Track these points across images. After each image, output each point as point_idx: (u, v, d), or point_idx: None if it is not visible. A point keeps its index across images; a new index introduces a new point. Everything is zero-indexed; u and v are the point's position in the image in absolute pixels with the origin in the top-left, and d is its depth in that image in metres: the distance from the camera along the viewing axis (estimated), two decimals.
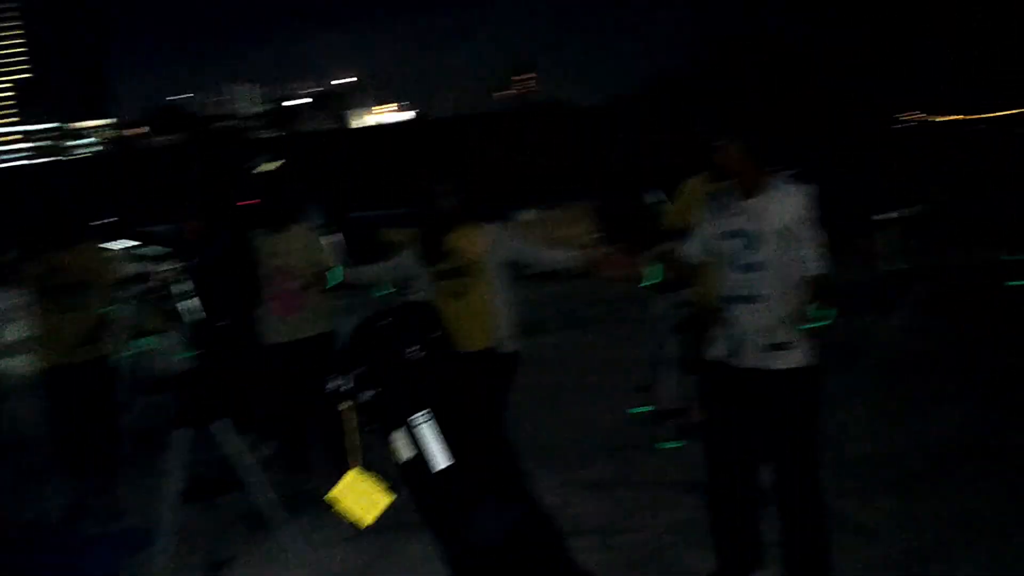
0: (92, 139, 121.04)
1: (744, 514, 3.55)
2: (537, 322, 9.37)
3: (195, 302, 3.70)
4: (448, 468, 2.04)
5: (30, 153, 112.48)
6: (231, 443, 3.44)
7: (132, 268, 5.45)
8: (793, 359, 3.26)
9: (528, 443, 3.07)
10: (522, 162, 37.16)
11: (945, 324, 8.25)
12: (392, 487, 2.26)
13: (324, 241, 5.30)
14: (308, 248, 5.02)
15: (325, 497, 2.24)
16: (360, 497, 2.18)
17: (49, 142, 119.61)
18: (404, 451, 2.07)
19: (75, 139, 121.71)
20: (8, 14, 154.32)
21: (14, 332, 7.50)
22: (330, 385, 2.10)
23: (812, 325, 3.09)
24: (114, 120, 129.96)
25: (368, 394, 2.08)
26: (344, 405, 2.12)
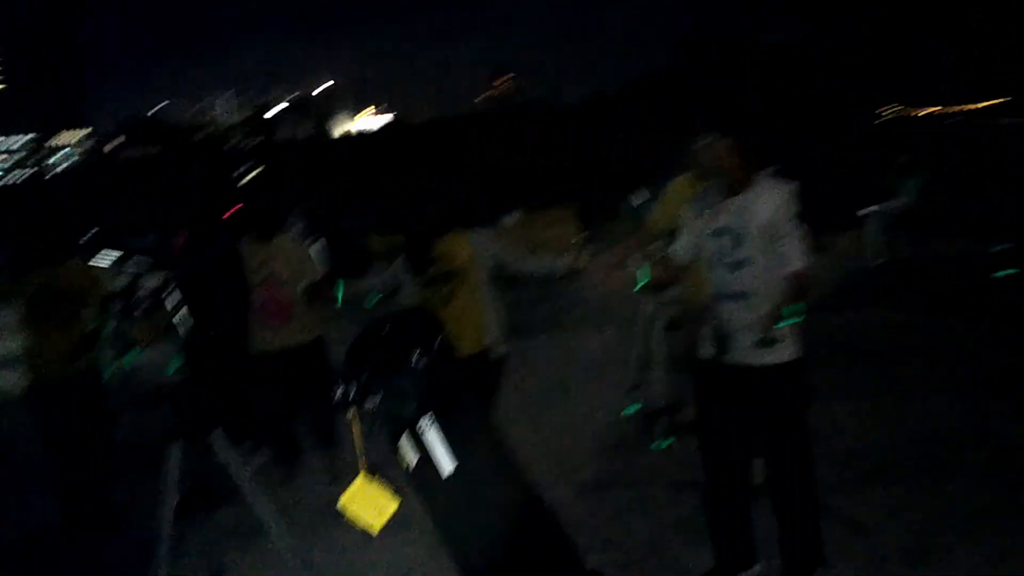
0: (69, 151, 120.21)
1: (739, 511, 3.58)
2: (525, 325, 9.39)
3: (185, 313, 3.69)
4: (455, 471, 2.05)
5: (8, 166, 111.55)
6: (226, 453, 3.43)
7: (119, 281, 5.43)
8: (781, 354, 3.29)
9: (521, 445, 3.08)
10: (505, 164, 37.15)
11: (934, 317, 8.32)
12: (399, 492, 2.28)
13: (312, 249, 5.30)
14: (296, 257, 5.01)
15: (338, 505, 2.25)
16: (369, 503, 2.20)
17: (25, 154, 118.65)
18: (410, 456, 2.08)
19: (52, 152, 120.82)
20: None
21: (3, 349, 7.47)
22: (335, 392, 2.11)
23: (785, 323, 3.10)
24: (89, 130, 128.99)
25: (373, 401, 2.09)
26: (349, 412, 2.13)
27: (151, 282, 4.19)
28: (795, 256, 3.23)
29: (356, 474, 2.29)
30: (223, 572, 4.14)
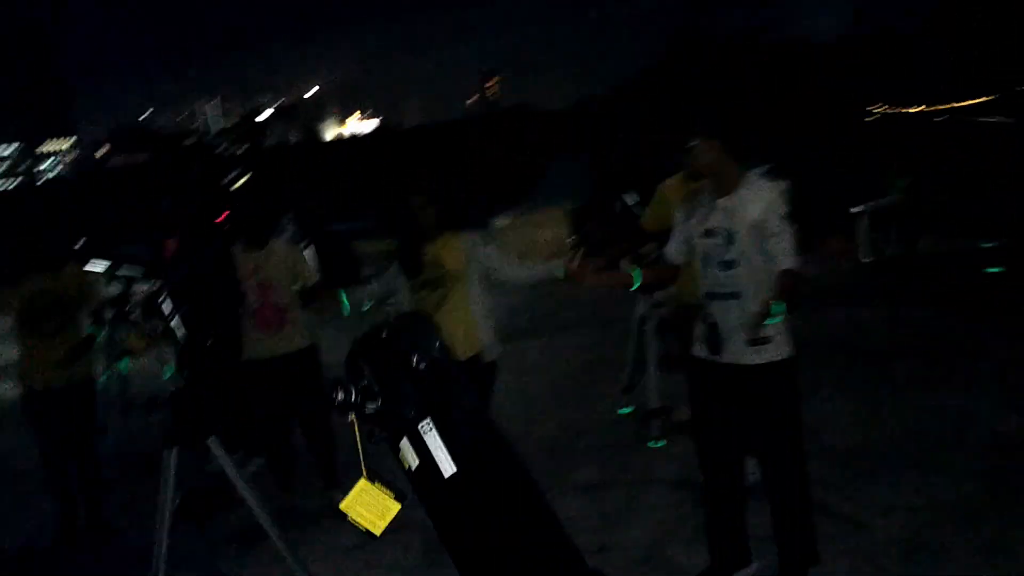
0: (55, 160, 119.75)
1: (735, 509, 3.60)
2: (518, 327, 9.41)
3: (179, 320, 3.69)
4: (456, 473, 2.07)
5: None
6: (223, 460, 3.43)
7: (112, 289, 5.42)
8: (774, 353, 3.31)
9: (516, 447, 3.09)
10: (495, 166, 37.19)
11: (926, 313, 8.37)
12: (400, 495, 2.29)
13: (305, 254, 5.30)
14: (289, 263, 5.01)
15: (340, 508, 2.26)
16: (371, 506, 2.21)
17: (12, 162, 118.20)
18: (411, 459, 2.09)
19: (41, 160, 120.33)
20: None
21: None
22: (335, 396, 2.12)
23: (771, 321, 3.11)
24: (75, 139, 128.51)
25: (373, 405, 2.10)
26: (350, 417, 2.15)
27: (143, 289, 4.19)
28: (785, 255, 3.24)
29: (357, 477, 2.30)
30: None
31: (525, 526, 2.24)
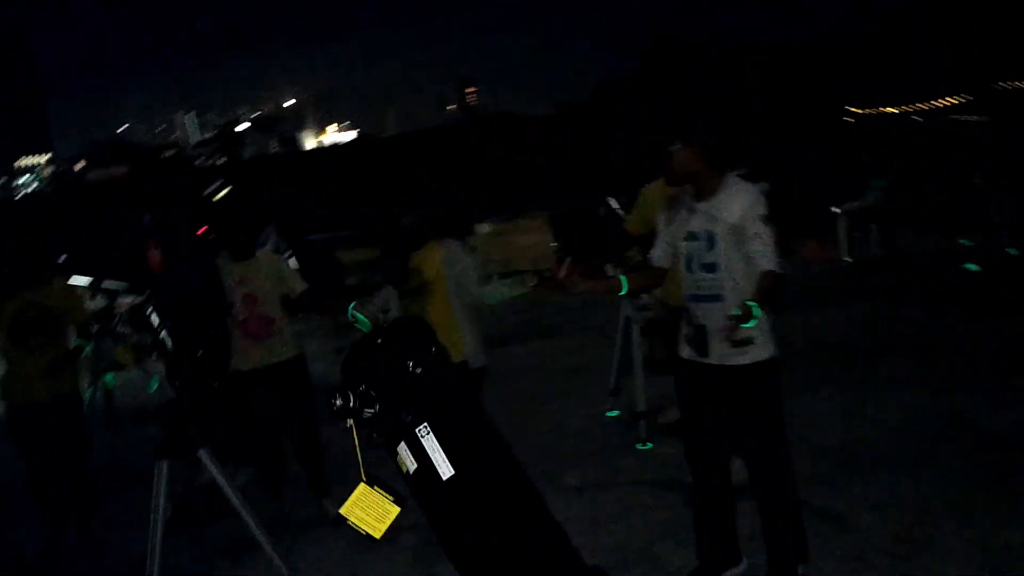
0: (31, 175, 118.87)
1: (723, 509, 3.63)
2: (504, 333, 9.44)
3: (166, 332, 3.69)
4: (454, 475, 2.09)
5: None
6: (214, 471, 3.44)
7: (97, 303, 5.41)
8: (757, 353, 3.35)
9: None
10: (476, 173, 37.24)
11: (908, 311, 8.46)
12: (399, 499, 2.31)
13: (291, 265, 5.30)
14: (276, 273, 5.01)
15: (340, 512, 2.27)
16: (370, 510, 2.22)
17: None
18: (409, 463, 2.12)
19: (17, 175, 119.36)
20: None
21: None
22: (333, 403, 2.14)
23: (750, 323, 3.14)
24: (50, 155, 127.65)
25: (370, 410, 2.13)
26: (348, 422, 2.17)
27: (127, 302, 4.19)
28: (766, 256, 3.28)
29: (356, 482, 2.32)
30: None
31: (524, 526, 2.26)
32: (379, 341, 2.26)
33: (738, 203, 3.33)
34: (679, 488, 4.41)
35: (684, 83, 31.75)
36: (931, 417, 5.38)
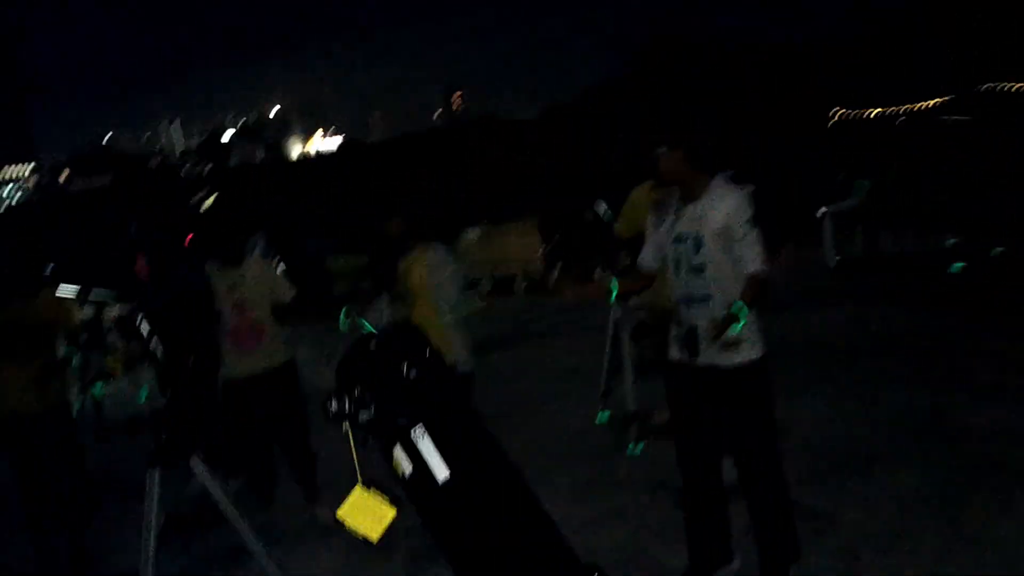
0: (15, 186, 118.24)
1: (714, 509, 3.66)
2: (494, 338, 9.45)
3: (156, 341, 3.69)
4: (450, 477, 2.11)
5: None
6: (207, 479, 3.44)
7: (85, 313, 5.39)
8: (746, 354, 3.37)
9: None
10: (464, 179, 37.26)
11: (892, 311, 8.52)
12: (396, 501, 2.32)
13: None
14: (266, 280, 5.01)
15: (337, 515, 2.29)
16: (367, 513, 2.24)
17: None
18: (405, 465, 2.13)
19: (1, 186, 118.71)
20: None
21: None
22: (329, 407, 2.16)
23: (737, 325, 3.15)
24: (33, 164, 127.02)
25: (366, 414, 2.15)
26: (344, 426, 2.18)
27: (115, 313, 4.19)
28: (752, 258, 3.31)
29: (352, 486, 2.33)
30: None
31: (521, 527, 2.29)
32: (373, 345, 2.28)
33: (724, 206, 3.36)
34: (670, 489, 4.43)
35: (671, 86, 31.87)
36: (917, 415, 5.42)
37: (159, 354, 3.46)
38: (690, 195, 3.46)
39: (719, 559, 3.68)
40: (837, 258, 11.94)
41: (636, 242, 3.87)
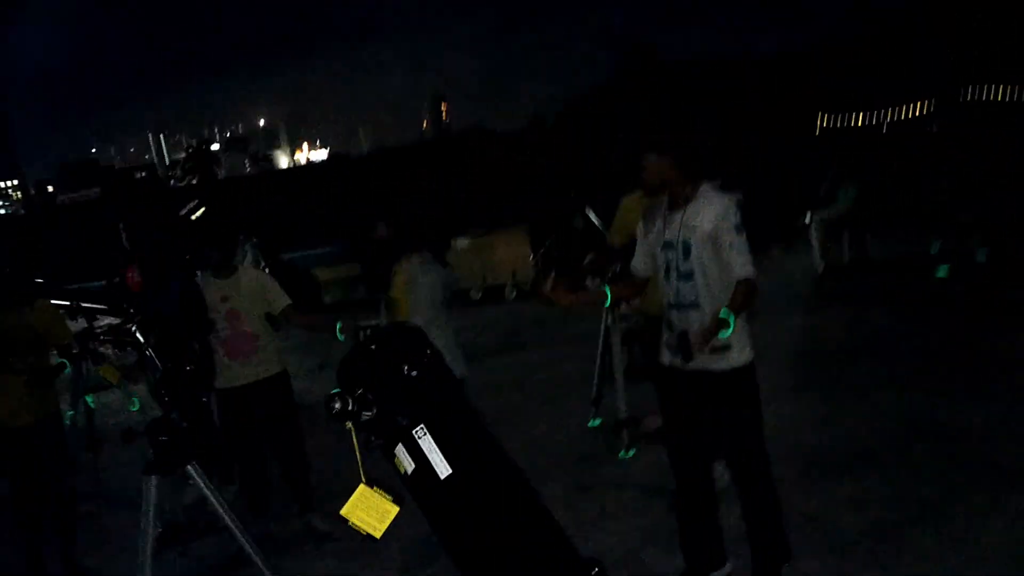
0: (1, 201, 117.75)
1: (706, 512, 3.69)
2: (484, 346, 9.47)
3: (152, 350, 3.71)
4: (452, 474, 2.15)
5: None
6: (204, 487, 3.44)
7: (76, 324, 5.40)
8: (736, 358, 3.42)
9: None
10: (452, 188, 37.30)
11: (879, 316, 8.59)
12: (398, 499, 2.36)
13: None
14: (258, 290, 5.02)
15: (341, 513, 2.32)
16: (370, 510, 2.27)
17: None
18: (407, 464, 2.17)
19: None
20: None
21: None
22: (332, 407, 2.19)
23: (727, 331, 3.18)
24: (16, 182, 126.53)
25: (368, 413, 2.18)
26: (348, 425, 2.22)
27: (106, 323, 4.20)
28: (741, 264, 3.35)
29: (356, 484, 2.36)
30: None
31: (523, 523, 2.33)
32: (373, 346, 2.32)
33: (711, 212, 3.39)
34: (662, 493, 4.47)
35: (656, 94, 32.03)
36: (905, 418, 5.47)
37: (155, 363, 3.48)
38: (678, 202, 3.50)
39: (713, 562, 3.71)
40: (824, 264, 12.02)
41: (629, 249, 3.90)
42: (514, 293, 13.88)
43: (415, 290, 4.53)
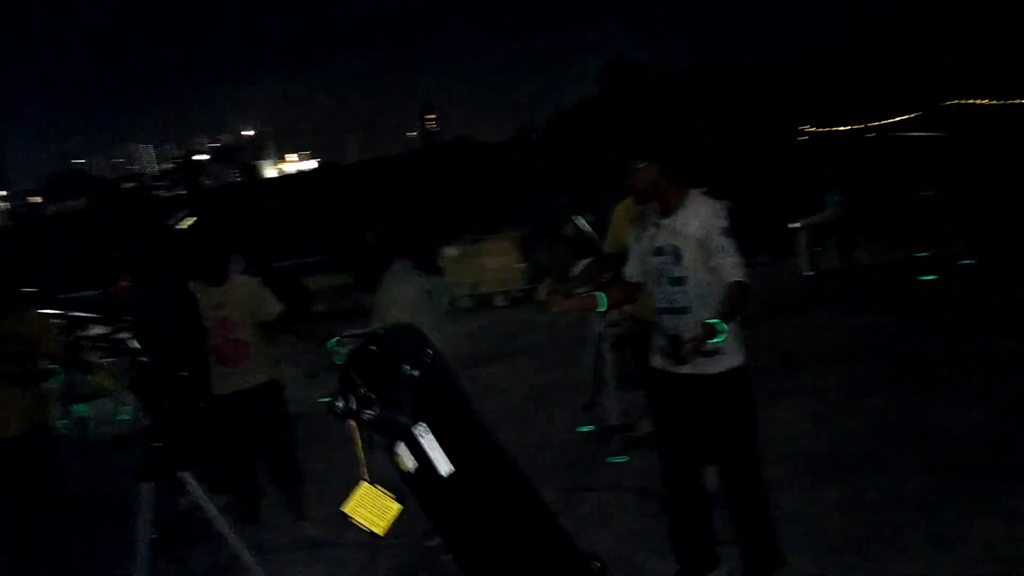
0: None
1: (699, 515, 3.72)
2: (475, 353, 9.49)
3: (145, 359, 3.72)
4: (454, 473, 2.18)
5: None
6: (198, 493, 3.46)
7: (65, 332, 5.40)
8: (728, 361, 3.45)
9: None
10: (441, 198, 37.34)
11: (866, 321, 8.67)
12: (400, 497, 2.38)
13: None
14: (251, 297, 5.03)
15: (343, 509, 2.35)
16: (372, 507, 2.30)
17: None
18: (408, 462, 2.20)
19: None
20: None
21: None
22: (336, 406, 2.22)
23: (718, 338, 3.22)
24: (5, 193, 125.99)
25: (370, 412, 2.21)
26: (350, 424, 2.25)
27: (97, 332, 4.21)
28: (731, 268, 3.38)
29: (358, 481, 2.39)
30: None
31: (524, 520, 2.35)
32: (374, 346, 2.35)
33: (700, 217, 3.43)
34: (654, 496, 4.49)
35: (643, 102, 32.16)
36: (893, 421, 5.52)
37: (149, 370, 3.49)
38: (667, 208, 3.54)
39: (707, 565, 3.73)
40: (812, 272, 12.12)
41: (622, 257, 3.94)
42: (503, 301, 13.93)
43: (389, 299, 4.57)
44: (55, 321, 4.92)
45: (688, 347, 3.23)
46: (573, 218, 6.06)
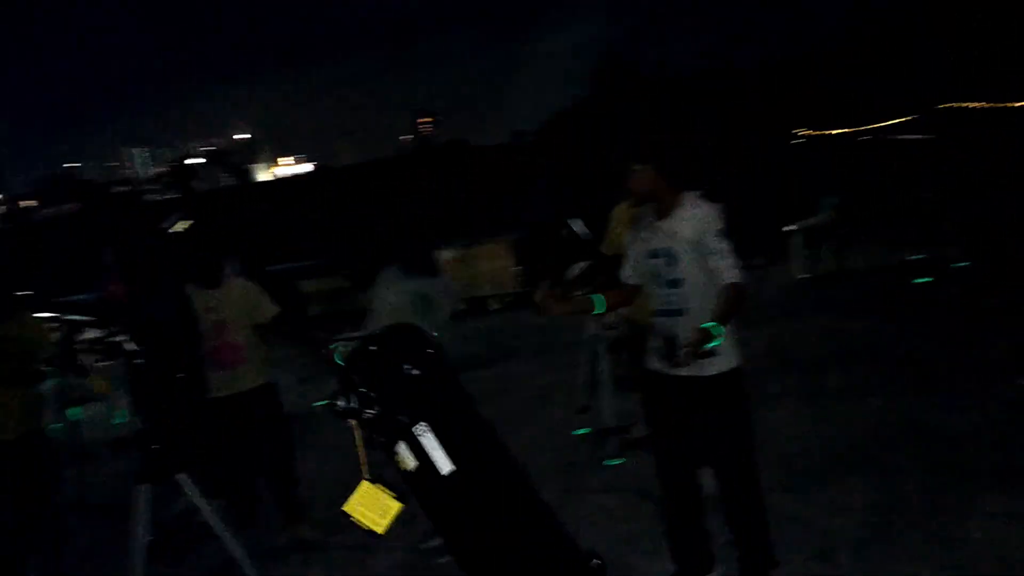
0: None
1: (694, 518, 3.72)
2: (471, 357, 9.49)
3: (141, 362, 3.71)
4: (454, 472, 2.18)
5: None
6: (195, 496, 3.45)
7: (58, 336, 5.39)
8: (723, 363, 3.45)
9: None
10: (436, 201, 37.34)
11: (861, 323, 8.70)
12: (401, 496, 2.38)
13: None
14: (246, 301, 5.02)
15: (343, 508, 2.34)
16: (372, 506, 2.30)
17: None
18: (409, 462, 2.20)
19: None
20: None
21: None
22: (338, 404, 2.22)
23: (714, 341, 3.23)
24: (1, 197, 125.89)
25: (370, 412, 2.21)
26: (351, 423, 2.25)
27: (90, 335, 4.20)
28: (727, 270, 3.39)
29: (359, 480, 2.39)
30: None
31: (525, 520, 2.35)
32: (374, 346, 2.35)
33: (695, 220, 3.44)
34: (649, 499, 4.50)
35: (639, 104, 32.22)
36: (888, 423, 5.54)
37: (144, 372, 3.48)
38: (663, 211, 3.54)
39: (703, 566, 3.74)
40: (807, 275, 12.15)
41: (619, 259, 3.94)
42: (497, 304, 13.93)
43: (377, 303, 4.58)
44: (49, 324, 4.90)
45: (684, 351, 3.23)
46: (569, 221, 6.06)
